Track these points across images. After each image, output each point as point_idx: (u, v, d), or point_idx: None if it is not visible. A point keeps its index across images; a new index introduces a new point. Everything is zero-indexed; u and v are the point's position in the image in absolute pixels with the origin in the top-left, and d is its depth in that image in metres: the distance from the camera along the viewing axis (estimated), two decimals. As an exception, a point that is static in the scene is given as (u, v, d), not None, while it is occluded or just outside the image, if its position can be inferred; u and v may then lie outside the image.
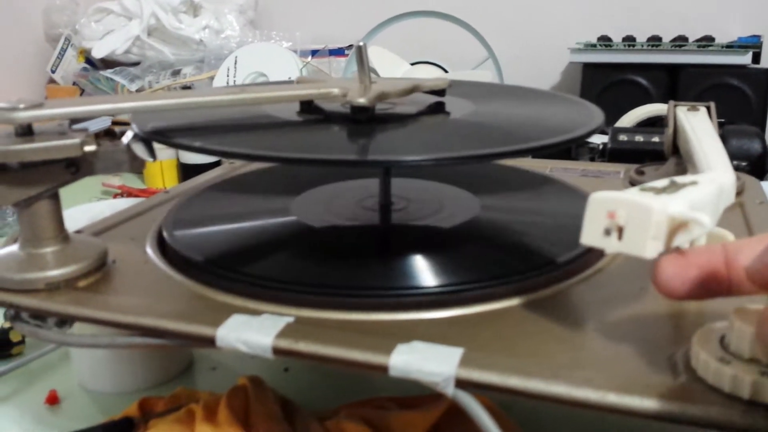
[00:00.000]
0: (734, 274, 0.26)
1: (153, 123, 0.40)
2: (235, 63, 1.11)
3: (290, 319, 0.34)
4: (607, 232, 0.27)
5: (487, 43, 1.02)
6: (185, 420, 0.42)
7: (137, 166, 0.39)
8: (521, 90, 0.54)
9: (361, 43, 0.43)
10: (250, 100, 0.40)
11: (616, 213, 0.27)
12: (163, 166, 1.01)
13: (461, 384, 0.29)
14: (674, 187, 0.28)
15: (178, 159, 1.01)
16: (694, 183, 0.29)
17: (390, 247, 0.43)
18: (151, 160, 0.38)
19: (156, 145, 0.39)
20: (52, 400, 0.48)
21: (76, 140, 0.36)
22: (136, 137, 0.38)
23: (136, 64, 1.26)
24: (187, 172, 1.00)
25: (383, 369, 0.30)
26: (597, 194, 0.28)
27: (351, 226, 0.45)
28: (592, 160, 0.76)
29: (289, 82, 0.51)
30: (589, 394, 0.27)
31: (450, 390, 0.29)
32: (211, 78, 1.15)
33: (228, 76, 1.11)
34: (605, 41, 1.08)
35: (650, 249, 0.26)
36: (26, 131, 0.37)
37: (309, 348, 0.31)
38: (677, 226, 0.27)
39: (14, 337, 0.54)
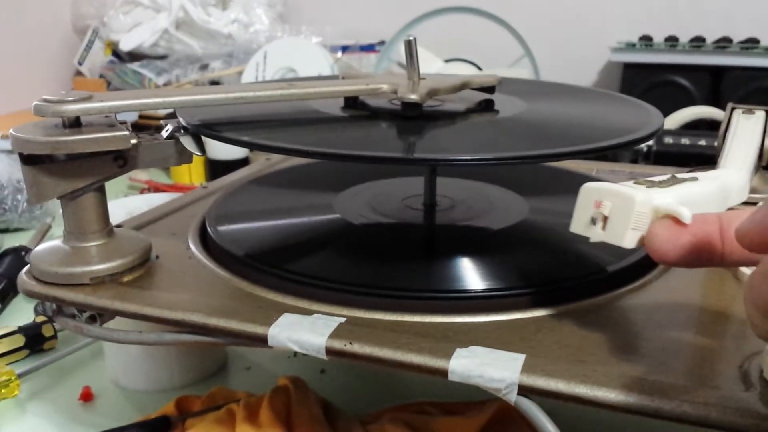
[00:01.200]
0: (727, 244, 0.25)
1: (200, 117, 0.39)
2: (265, 58, 1.10)
3: (342, 320, 0.33)
4: (593, 221, 0.28)
5: (524, 41, 1.01)
6: (226, 420, 0.41)
7: (184, 159, 0.38)
8: (574, 89, 0.53)
9: (411, 38, 0.42)
10: (300, 95, 0.40)
11: (603, 203, 0.28)
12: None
13: (524, 391, 0.28)
14: (671, 182, 0.29)
15: (206, 155, 1.01)
16: (694, 179, 0.29)
17: (440, 248, 0.42)
18: (200, 153, 0.37)
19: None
20: (86, 396, 0.47)
21: (126, 132, 0.36)
22: (184, 130, 0.38)
23: (163, 57, 1.25)
24: (214, 168, 1.00)
25: (442, 373, 0.29)
26: (587, 184, 0.29)
27: (397, 225, 0.44)
28: (634, 162, 0.75)
29: (334, 77, 0.50)
30: (669, 405, 0.26)
31: (513, 397, 0.28)
32: (240, 73, 1.14)
33: (257, 71, 1.10)
34: (646, 41, 1.06)
35: (629, 239, 0.27)
36: (74, 123, 0.36)
37: (363, 350, 0.30)
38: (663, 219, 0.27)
39: (46, 332, 0.54)
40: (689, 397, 0.26)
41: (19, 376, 0.48)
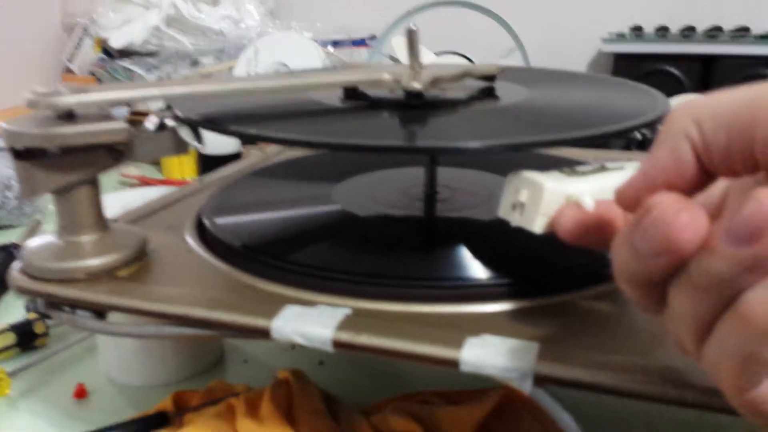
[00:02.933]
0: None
1: (199, 109, 0.39)
2: (256, 53, 1.09)
3: (348, 311, 0.32)
4: (513, 207, 0.30)
5: (515, 33, 1.00)
6: (225, 415, 0.40)
7: (180, 151, 0.38)
8: (575, 75, 0.52)
9: (413, 26, 0.41)
10: (300, 86, 0.39)
11: (521, 191, 0.29)
12: (181, 157, 0.99)
13: (540, 380, 0.27)
14: (595, 171, 0.30)
15: (199, 148, 0.99)
16: (620, 169, 0.30)
17: (445, 237, 0.41)
18: (198, 145, 0.36)
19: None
20: (80, 393, 0.46)
21: (123, 125, 0.35)
22: (182, 122, 0.37)
23: (153, 54, 1.24)
24: (206, 163, 0.98)
25: (453, 364, 0.28)
26: (511, 173, 0.30)
27: (399, 215, 0.43)
28: (627, 149, 0.74)
29: (333, 68, 0.49)
30: (692, 394, 0.25)
31: (528, 386, 0.27)
32: (231, 68, 1.13)
33: (249, 66, 1.09)
34: (637, 31, 1.06)
35: (539, 224, 0.28)
36: (68, 116, 0.35)
37: (372, 341, 0.30)
38: None
39: (38, 329, 0.52)
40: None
41: (10, 374, 0.47)
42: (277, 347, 0.51)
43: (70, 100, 0.34)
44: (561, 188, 0.28)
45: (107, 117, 0.36)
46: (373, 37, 1.21)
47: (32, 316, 0.53)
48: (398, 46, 1.04)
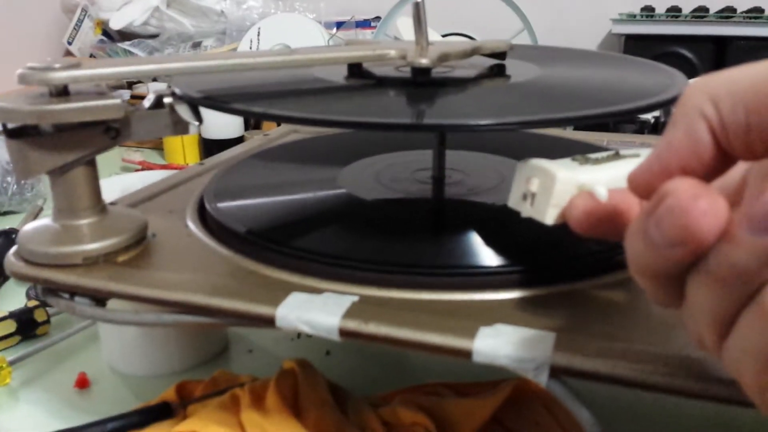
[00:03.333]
0: None
1: (198, 86, 0.37)
2: (258, 34, 1.07)
3: (354, 298, 0.31)
4: (524, 197, 0.28)
5: (523, 13, 0.98)
6: (230, 406, 0.39)
7: (179, 130, 0.36)
8: (588, 53, 0.51)
9: (418, 0, 0.40)
10: (303, 61, 0.37)
11: (531, 179, 0.28)
12: (184, 142, 0.98)
13: (557, 371, 0.26)
14: (609, 159, 0.28)
15: (200, 134, 0.98)
16: (635, 156, 0.28)
17: (455, 223, 0.40)
18: (196, 123, 0.35)
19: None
20: (82, 383, 0.45)
21: (118, 101, 0.33)
22: (180, 99, 0.35)
23: (154, 36, 1.22)
24: (209, 147, 0.97)
25: (465, 354, 0.27)
26: (523, 160, 0.28)
27: (407, 199, 0.42)
28: (639, 133, 0.73)
29: (339, 45, 0.48)
30: (717, 388, 0.24)
31: (544, 378, 0.26)
32: (233, 50, 1.11)
33: (251, 47, 1.07)
34: (648, 11, 1.04)
35: (550, 215, 0.27)
36: (62, 92, 0.34)
37: (380, 330, 0.28)
38: None
39: (39, 316, 0.51)
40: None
41: (11, 363, 0.46)
42: (283, 336, 0.50)
43: (63, 75, 0.32)
44: (573, 177, 0.26)
45: (103, 94, 0.34)
46: (377, 18, 1.19)
47: (33, 303, 0.52)
48: (403, 27, 1.02)
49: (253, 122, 1.02)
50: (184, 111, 0.35)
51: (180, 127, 0.36)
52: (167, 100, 0.35)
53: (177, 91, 0.36)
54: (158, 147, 1.03)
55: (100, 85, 0.36)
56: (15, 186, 0.79)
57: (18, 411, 0.43)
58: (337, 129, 0.54)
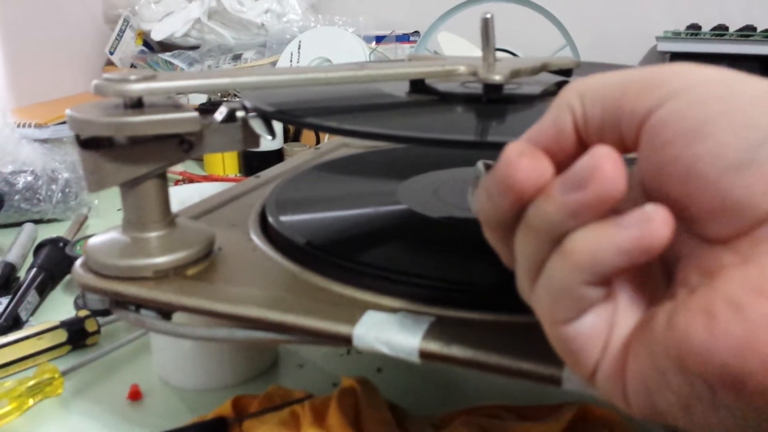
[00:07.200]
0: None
1: (266, 99, 0.37)
2: (299, 48, 1.08)
3: (432, 319, 0.30)
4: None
5: (565, 29, 0.97)
6: (290, 422, 0.39)
7: (251, 143, 0.36)
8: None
9: (488, 15, 0.39)
10: (374, 76, 0.37)
11: (478, 179, 0.27)
12: (224, 154, 0.98)
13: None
14: None
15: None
16: None
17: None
18: (269, 137, 0.35)
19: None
20: (135, 395, 0.45)
21: (194, 114, 0.33)
22: (255, 113, 0.35)
23: (194, 47, 1.23)
24: (248, 159, 0.97)
25: (557, 382, 0.26)
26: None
27: (473, 217, 0.41)
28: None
29: (401, 60, 0.47)
30: None
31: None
32: (274, 63, 1.12)
33: (291, 61, 1.07)
34: (694, 29, 1.03)
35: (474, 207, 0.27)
36: (136, 104, 0.34)
37: (465, 353, 0.28)
38: None
39: (90, 326, 0.51)
40: None
41: (63, 373, 0.46)
42: (332, 352, 0.50)
43: (139, 87, 0.32)
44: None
45: (176, 106, 0.34)
46: (416, 33, 1.19)
47: (83, 312, 0.52)
48: (444, 41, 1.01)
49: (292, 134, 1.02)
50: (258, 125, 0.34)
51: (251, 141, 0.35)
52: (240, 113, 0.35)
53: (248, 104, 0.36)
54: (198, 158, 1.04)
55: (171, 97, 0.36)
56: (60, 194, 0.80)
57: (69, 422, 0.43)
58: (394, 144, 0.54)
